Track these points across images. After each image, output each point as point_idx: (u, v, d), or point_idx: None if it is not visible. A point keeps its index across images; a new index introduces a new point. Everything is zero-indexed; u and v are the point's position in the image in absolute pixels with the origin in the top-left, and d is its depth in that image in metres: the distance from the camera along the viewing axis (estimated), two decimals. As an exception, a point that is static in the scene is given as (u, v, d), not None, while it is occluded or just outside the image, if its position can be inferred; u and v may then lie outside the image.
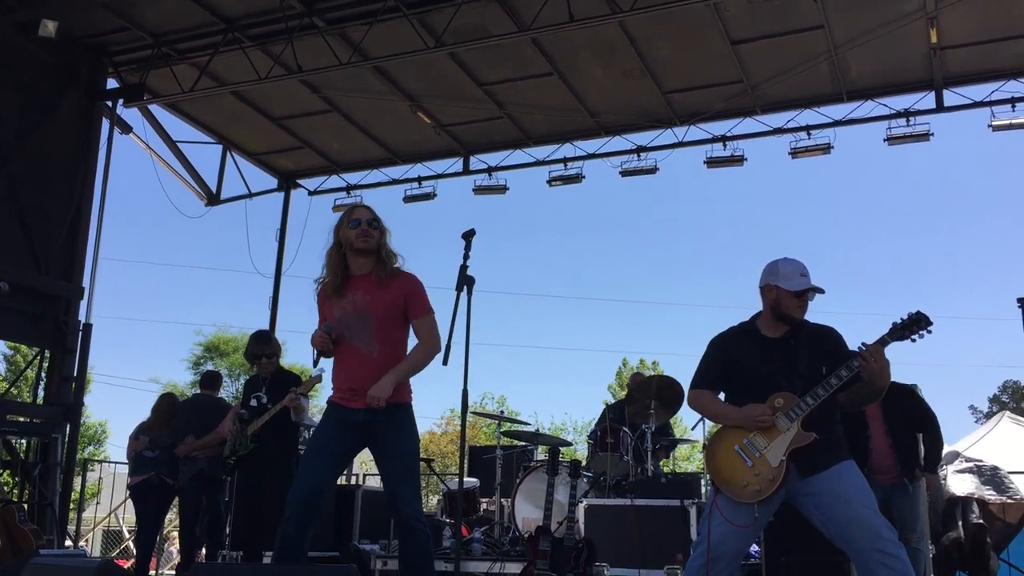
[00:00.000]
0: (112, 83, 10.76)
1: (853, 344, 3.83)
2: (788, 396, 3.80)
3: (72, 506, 11.28)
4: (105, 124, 10.63)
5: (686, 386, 4.51)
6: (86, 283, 10.08)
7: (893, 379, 5.87)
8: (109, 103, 10.68)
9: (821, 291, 3.94)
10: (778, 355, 3.94)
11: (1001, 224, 55.35)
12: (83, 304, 10.02)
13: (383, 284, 4.18)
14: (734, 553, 3.84)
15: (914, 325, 3.74)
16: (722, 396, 4.11)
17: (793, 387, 3.83)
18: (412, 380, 4.25)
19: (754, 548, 5.86)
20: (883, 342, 3.72)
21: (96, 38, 10.24)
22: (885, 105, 10.74)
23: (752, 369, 3.95)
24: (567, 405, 71.03)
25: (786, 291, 3.93)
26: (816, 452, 3.75)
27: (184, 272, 52.15)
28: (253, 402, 6.53)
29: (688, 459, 29.92)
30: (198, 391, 8.61)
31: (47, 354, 9.89)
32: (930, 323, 3.74)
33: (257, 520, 6.35)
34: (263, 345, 6.67)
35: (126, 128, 11.27)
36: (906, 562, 3.56)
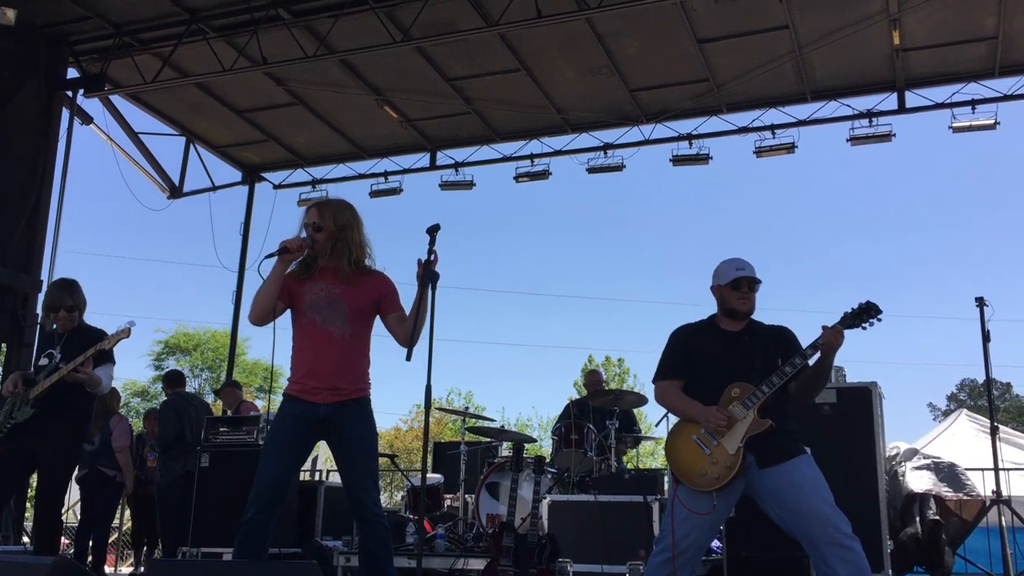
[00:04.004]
0: (73, 73, 10.55)
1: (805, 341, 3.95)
2: (745, 385, 3.89)
3: (28, 503, 11.08)
4: (65, 114, 10.42)
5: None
6: (44, 276, 9.91)
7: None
8: (69, 93, 10.47)
9: (755, 280, 4.07)
10: (736, 347, 4.04)
11: (960, 224, 56.35)
12: (41, 297, 9.86)
13: (351, 282, 4.12)
14: (696, 546, 3.88)
15: (864, 314, 3.88)
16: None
17: (750, 379, 3.91)
18: (374, 376, 4.20)
19: (716, 544, 5.92)
20: (840, 326, 3.87)
21: (56, 26, 10.04)
22: (848, 105, 10.87)
23: (712, 360, 4.03)
24: (534, 401, 71.25)
25: (724, 286, 4.09)
26: (773, 442, 3.82)
27: (145, 266, 51.42)
28: (44, 360, 5.40)
29: (652, 455, 30.11)
30: (171, 392, 8.44)
31: (3, 348, 9.72)
32: (879, 311, 3.89)
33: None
34: (63, 294, 5.44)
35: (87, 119, 11.09)
36: (862, 554, 3.62)
